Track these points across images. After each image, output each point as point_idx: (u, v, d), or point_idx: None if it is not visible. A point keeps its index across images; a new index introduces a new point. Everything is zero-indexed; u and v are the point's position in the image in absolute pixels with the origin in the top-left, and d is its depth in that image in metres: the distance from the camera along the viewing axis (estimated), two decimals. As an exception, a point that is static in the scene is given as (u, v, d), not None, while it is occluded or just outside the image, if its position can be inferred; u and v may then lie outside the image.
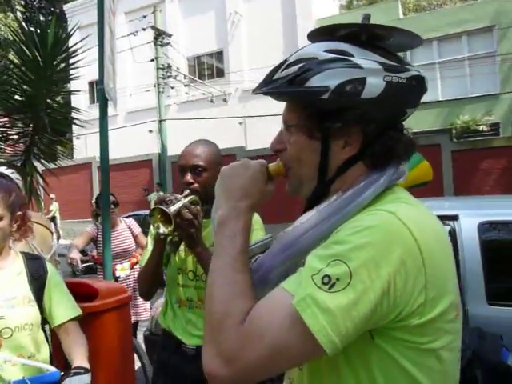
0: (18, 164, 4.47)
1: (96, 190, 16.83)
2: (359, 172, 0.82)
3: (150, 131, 16.15)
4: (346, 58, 0.78)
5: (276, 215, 10.68)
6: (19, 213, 1.68)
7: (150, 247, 1.81)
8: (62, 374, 1.49)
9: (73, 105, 5.64)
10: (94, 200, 3.88)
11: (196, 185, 1.69)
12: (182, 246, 1.79)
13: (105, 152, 2.53)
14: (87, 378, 1.51)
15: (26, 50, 4.63)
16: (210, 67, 17.78)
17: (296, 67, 0.80)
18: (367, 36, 0.81)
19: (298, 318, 0.65)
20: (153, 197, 13.26)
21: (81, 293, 2.55)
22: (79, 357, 1.60)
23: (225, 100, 15.45)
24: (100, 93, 2.51)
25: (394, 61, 0.80)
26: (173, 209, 1.54)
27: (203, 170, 1.71)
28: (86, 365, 1.57)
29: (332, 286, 0.66)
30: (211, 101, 14.99)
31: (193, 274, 1.77)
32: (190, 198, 1.64)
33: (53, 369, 1.49)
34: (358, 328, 0.66)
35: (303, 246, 0.77)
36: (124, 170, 13.89)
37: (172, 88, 14.55)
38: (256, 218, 1.89)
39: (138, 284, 1.88)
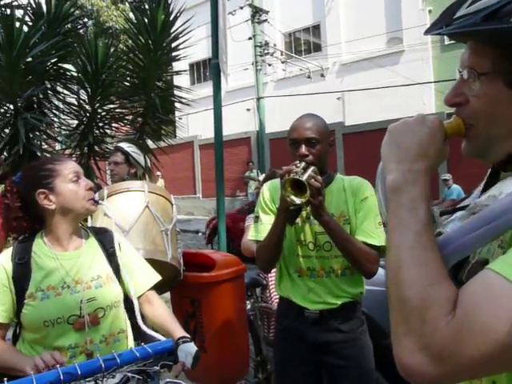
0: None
1: (198, 168, 17.67)
2: None
3: (248, 109, 16.39)
4: None
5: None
6: None
7: (264, 220, 1.84)
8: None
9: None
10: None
11: (311, 157, 1.73)
12: (298, 218, 1.81)
13: (219, 126, 2.58)
14: (194, 346, 1.49)
15: (140, 36, 4.96)
16: (306, 42, 17.43)
17: None
18: None
19: None
20: (247, 175, 13.53)
21: (198, 263, 2.68)
22: (178, 327, 1.56)
23: (322, 75, 15.07)
24: (214, 67, 2.54)
25: None
26: (305, 177, 1.55)
27: (317, 142, 1.74)
28: (187, 335, 1.53)
29: None
30: (308, 76, 14.73)
31: (313, 245, 1.81)
32: (312, 167, 1.65)
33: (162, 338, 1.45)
34: None
35: (509, 220, 0.62)
36: (224, 148, 14.34)
37: (269, 65, 14.56)
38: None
39: (259, 258, 1.87)
